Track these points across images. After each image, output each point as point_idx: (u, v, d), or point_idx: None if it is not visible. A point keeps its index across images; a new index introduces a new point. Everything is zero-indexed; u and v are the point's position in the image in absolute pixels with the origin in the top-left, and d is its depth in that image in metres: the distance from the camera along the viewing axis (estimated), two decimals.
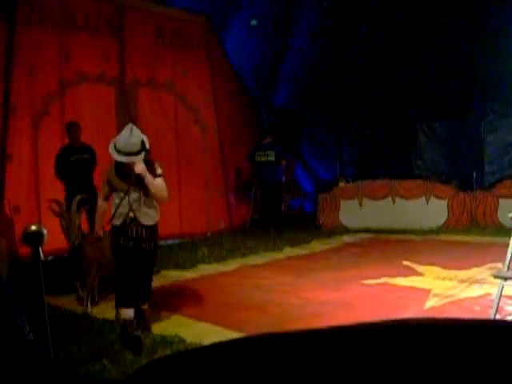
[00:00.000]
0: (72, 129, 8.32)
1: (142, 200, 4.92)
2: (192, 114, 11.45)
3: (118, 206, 4.93)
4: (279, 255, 9.09)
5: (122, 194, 4.91)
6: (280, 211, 11.88)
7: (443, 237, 10.12)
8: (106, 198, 5.21)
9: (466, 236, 10.02)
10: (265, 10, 13.55)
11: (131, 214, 4.90)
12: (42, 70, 9.11)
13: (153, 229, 5.03)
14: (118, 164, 4.92)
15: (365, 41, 13.45)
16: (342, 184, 12.21)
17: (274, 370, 1.00)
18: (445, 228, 10.80)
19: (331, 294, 6.39)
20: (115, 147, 4.79)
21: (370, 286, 6.75)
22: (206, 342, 4.11)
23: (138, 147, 4.82)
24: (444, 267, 7.43)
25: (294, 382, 0.98)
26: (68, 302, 6.17)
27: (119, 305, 4.95)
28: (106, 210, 5.27)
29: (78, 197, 6.07)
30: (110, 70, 10.14)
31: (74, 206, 5.90)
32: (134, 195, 4.90)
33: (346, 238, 10.50)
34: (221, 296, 6.50)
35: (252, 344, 1.12)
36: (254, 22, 13.38)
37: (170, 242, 10.22)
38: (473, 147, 12.41)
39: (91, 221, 8.40)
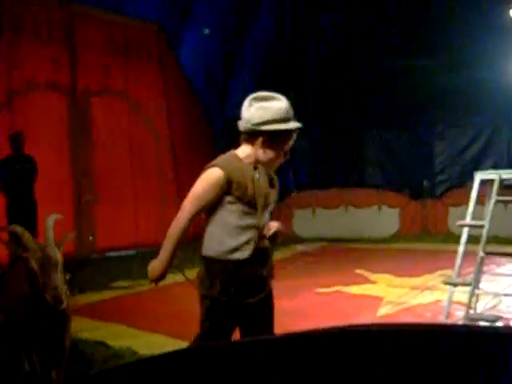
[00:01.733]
0: (20, 139, 8.15)
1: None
2: (145, 122, 11.35)
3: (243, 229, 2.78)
4: None
5: (254, 211, 2.80)
6: None
7: (395, 245, 10.28)
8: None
9: (417, 244, 10.21)
10: (217, 19, 13.56)
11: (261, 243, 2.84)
12: None
13: None
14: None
15: (318, 50, 13.61)
16: (294, 193, 12.29)
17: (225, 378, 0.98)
18: (397, 236, 10.98)
19: (286, 303, 6.37)
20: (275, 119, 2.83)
21: (324, 294, 6.79)
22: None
23: None
24: (396, 275, 7.53)
25: None
26: None
27: None
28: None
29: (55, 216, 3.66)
30: (61, 79, 9.97)
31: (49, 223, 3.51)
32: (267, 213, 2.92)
33: (300, 247, 10.55)
34: (175, 307, 6.41)
35: (200, 354, 1.10)
36: (207, 31, 13.36)
37: (124, 253, 10.10)
38: (424, 157, 12.68)
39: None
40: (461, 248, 5.03)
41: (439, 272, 7.39)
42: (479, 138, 12.76)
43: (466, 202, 5.24)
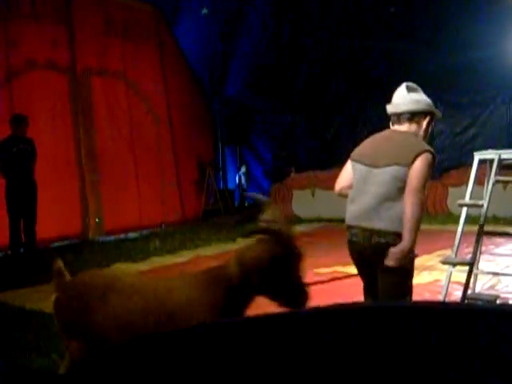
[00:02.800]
0: (23, 123, 8.13)
1: None
2: (144, 103, 11.32)
3: None
4: (233, 246, 9.06)
5: None
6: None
7: None
8: None
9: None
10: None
11: None
12: None
13: None
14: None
15: (316, 31, 13.52)
16: (293, 174, 12.28)
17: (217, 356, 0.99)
18: None
19: None
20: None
21: (322, 274, 6.82)
22: None
23: None
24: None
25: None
26: (14, 298, 6.03)
27: None
28: None
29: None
30: (60, 58, 9.92)
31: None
32: None
33: (299, 228, 10.56)
34: None
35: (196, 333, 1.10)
36: (205, 11, 13.27)
37: (123, 236, 10.15)
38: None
39: (29, 230, 8.21)
40: (460, 228, 5.03)
41: (438, 252, 7.39)
42: (478, 119, 12.74)
43: (466, 183, 5.24)
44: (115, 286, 2.77)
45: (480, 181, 5.15)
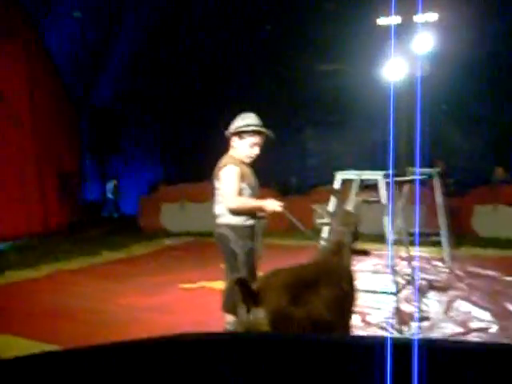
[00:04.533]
0: None
1: None
2: (5, 107, 10.64)
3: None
4: (97, 259, 8.74)
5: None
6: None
7: (264, 240, 10.36)
8: None
9: (283, 240, 10.37)
10: (89, 2, 13.05)
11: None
12: None
13: None
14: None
15: (192, 41, 13.52)
16: (162, 187, 12.12)
17: None
18: (265, 232, 11.10)
19: (150, 300, 6.26)
20: (248, 124, 4.12)
21: (188, 290, 6.73)
22: (8, 355, 3.77)
23: None
24: (263, 270, 7.59)
25: None
26: None
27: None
28: None
29: None
30: None
31: None
32: None
33: (168, 242, 10.42)
34: (29, 305, 6.05)
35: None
36: (77, 14, 12.81)
37: None
38: (293, 154, 12.97)
39: None
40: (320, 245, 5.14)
41: None
42: (348, 138, 13.31)
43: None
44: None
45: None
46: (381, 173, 4.82)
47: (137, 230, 11.48)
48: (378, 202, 4.88)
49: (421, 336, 4.98)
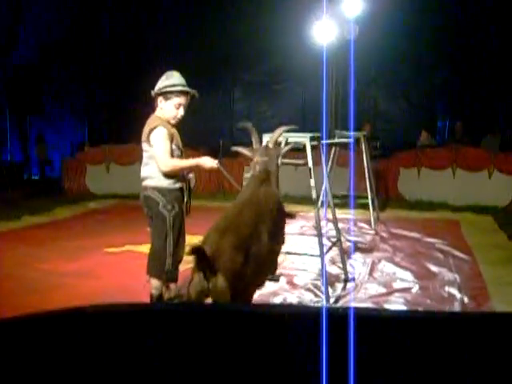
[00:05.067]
0: None
1: None
2: None
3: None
4: (17, 224, 8.38)
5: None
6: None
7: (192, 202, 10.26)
8: None
9: (212, 202, 10.28)
10: None
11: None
12: None
13: None
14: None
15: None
16: (87, 148, 11.76)
17: None
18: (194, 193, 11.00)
19: (72, 264, 6.08)
20: (173, 85, 4.04)
21: (113, 254, 6.58)
22: None
23: None
24: (190, 233, 7.49)
25: None
26: None
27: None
28: None
29: None
30: None
31: None
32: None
33: (92, 205, 10.14)
34: None
35: None
36: None
37: None
38: (222, 116, 12.84)
39: None
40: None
41: None
42: (278, 100, 13.26)
43: None
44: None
45: None
46: (308, 135, 4.78)
47: (60, 192, 11.09)
48: (305, 164, 4.85)
49: (348, 298, 5.06)
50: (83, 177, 11.31)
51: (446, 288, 5.33)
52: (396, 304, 4.89)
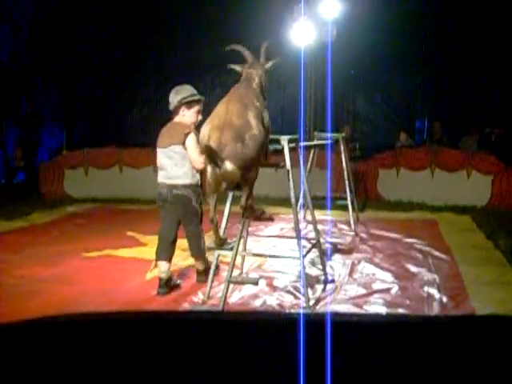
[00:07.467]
0: None
1: None
2: None
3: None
4: None
5: None
6: None
7: None
8: None
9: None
10: None
11: None
12: None
13: None
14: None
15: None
16: (65, 152, 11.63)
17: None
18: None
19: (50, 270, 6.00)
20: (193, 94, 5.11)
21: (91, 258, 6.50)
22: None
23: None
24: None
25: None
26: None
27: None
28: None
29: None
30: None
31: None
32: None
33: (71, 209, 10.02)
34: None
35: None
36: None
37: None
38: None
39: None
40: (226, 209, 5.12)
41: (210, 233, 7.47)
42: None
43: None
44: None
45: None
46: (286, 137, 4.78)
47: (38, 197, 10.95)
48: (283, 166, 4.85)
49: (327, 300, 5.06)
50: (61, 181, 11.18)
51: (426, 288, 5.35)
52: (376, 305, 4.91)
